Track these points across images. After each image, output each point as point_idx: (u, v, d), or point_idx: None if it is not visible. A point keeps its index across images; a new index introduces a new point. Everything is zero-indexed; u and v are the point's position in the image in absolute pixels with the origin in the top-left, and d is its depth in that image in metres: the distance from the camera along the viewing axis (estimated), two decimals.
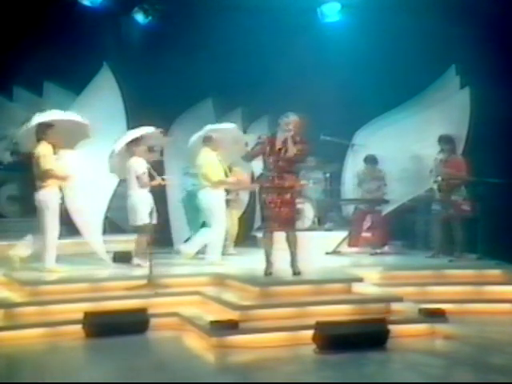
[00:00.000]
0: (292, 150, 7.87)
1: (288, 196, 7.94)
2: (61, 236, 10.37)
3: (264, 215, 8.03)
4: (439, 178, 9.51)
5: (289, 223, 8.00)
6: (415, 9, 10.49)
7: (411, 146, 10.31)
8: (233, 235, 10.55)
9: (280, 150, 7.89)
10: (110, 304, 7.83)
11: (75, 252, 9.98)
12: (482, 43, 9.84)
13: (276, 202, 7.89)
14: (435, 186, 9.60)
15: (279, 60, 11.25)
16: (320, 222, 11.45)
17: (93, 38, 11.07)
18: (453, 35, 10.23)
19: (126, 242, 9.74)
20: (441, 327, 7.50)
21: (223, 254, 9.67)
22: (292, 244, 8.06)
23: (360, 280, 8.09)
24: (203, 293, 8.18)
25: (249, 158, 8.27)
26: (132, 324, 7.54)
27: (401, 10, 10.66)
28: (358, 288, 8.02)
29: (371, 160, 10.59)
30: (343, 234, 10.77)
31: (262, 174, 8.08)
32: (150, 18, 12.03)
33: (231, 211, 10.22)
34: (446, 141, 9.74)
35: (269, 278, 8.01)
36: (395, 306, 7.76)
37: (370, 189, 10.60)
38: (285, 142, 7.90)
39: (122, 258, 9.40)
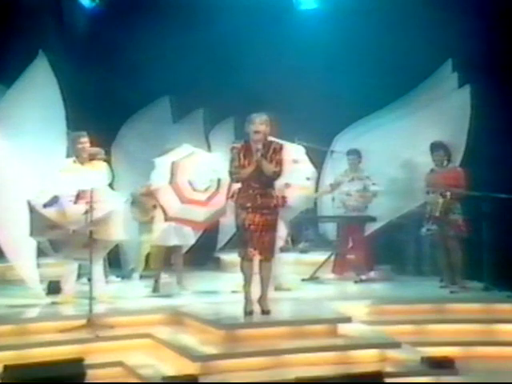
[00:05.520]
0: (269, 169, 6.92)
1: (271, 217, 7.03)
2: None
3: (242, 239, 7.04)
4: (448, 194, 8.53)
5: (270, 250, 7.09)
6: None
7: (400, 154, 9.56)
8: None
9: (258, 161, 6.96)
10: (39, 352, 6.71)
11: None
12: (485, 33, 9.13)
13: (257, 225, 6.95)
14: (440, 201, 8.58)
15: (248, 54, 10.41)
16: (294, 242, 10.66)
17: (30, 23, 10.09)
18: (449, 23, 9.33)
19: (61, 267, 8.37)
20: (447, 379, 6.46)
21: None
22: (265, 275, 7.10)
23: (348, 320, 7.07)
24: (155, 335, 7.12)
25: (243, 175, 6.93)
26: (64, 378, 6.30)
27: None
28: (345, 329, 7.02)
29: (354, 153, 9.57)
30: (321, 255, 9.83)
31: (239, 190, 7.07)
32: (96, 0, 11.12)
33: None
34: (439, 149, 8.88)
35: (236, 319, 6.99)
36: (391, 352, 6.78)
37: (348, 191, 9.47)
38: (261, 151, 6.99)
39: (58, 288, 8.13)
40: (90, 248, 7.28)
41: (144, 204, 9.07)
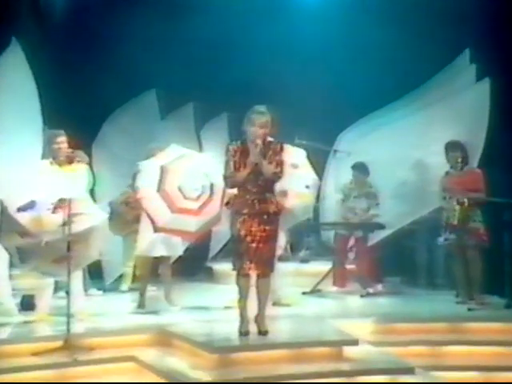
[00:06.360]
0: (268, 169, 6.64)
1: (270, 227, 6.77)
2: None
3: (237, 251, 6.81)
4: (465, 200, 8.30)
5: (268, 265, 6.82)
6: None
7: (411, 154, 9.42)
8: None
9: (257, 164, 6.71)
10: (10, 378, 6.47)
11: None
12: (506, 21, 9.12)
13: (254, 235, 6.70)
14: (457, 209, 8.35)
15: (244, 45, 10.38)
16: (294, 250, 10.63)
17: (1, 7, 9.84)
18: (467, 10, 9.35)
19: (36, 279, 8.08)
20: None
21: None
22: (263, 292, 6.85)
23: (354, 343, 6.83)
24: (140, 358, 6.90)
25: (239, 179, 6.67)
26: None
27: None
28: (351, 352, 6.79)
29: (360, 168, 9.43)
30: (323, 265, 9.66)
31: (235, 196, 6.83)
32: None
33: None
34: (455, 149, 8.62)
35: (230, 341, 6.77)
36: (403, 378, 6.54)
37: (353, 208, 9.37)
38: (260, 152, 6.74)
39: (32, 304, 7.83)
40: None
41: (124, 215, 8.81)
